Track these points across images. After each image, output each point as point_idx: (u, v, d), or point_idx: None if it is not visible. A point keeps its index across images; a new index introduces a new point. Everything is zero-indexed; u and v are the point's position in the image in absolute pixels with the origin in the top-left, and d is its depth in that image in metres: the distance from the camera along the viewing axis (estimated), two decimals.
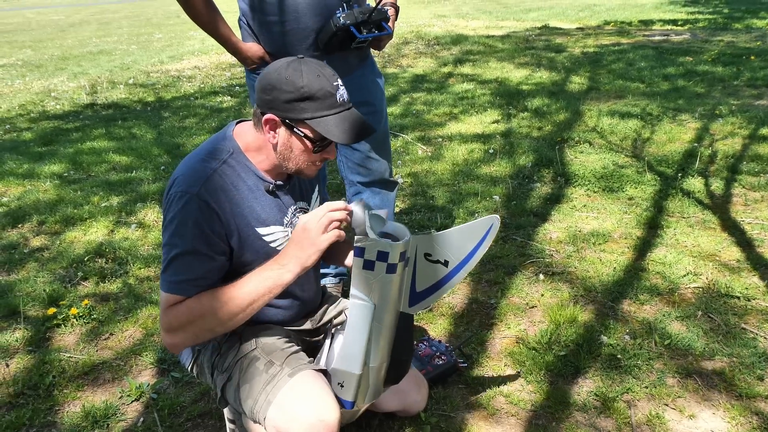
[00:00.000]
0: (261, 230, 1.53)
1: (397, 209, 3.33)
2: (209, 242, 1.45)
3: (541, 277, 2.78)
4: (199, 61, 9.61)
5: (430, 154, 4.56)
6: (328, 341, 1.69)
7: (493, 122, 5.27)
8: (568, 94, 6.06)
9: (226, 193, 1.47)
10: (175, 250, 1.45)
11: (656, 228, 3.17)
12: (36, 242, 3.39)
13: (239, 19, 2.24)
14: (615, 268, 2.82)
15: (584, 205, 3.52)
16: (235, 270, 1.52)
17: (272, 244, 1.55)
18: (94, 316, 2.63)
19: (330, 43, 2.10)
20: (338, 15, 2.04)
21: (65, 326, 2.57)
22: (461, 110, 5.70)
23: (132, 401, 2.14)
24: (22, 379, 2.25)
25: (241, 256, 1.52)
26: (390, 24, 2.19)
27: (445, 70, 7.65)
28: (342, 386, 1.53)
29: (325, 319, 1.81)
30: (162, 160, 4.68)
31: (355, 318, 1.48)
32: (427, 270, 1.55)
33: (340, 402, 1.54)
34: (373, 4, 2.12)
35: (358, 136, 1.44)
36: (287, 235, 1.58)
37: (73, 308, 2.62)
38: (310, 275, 1.69)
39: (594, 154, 4.26)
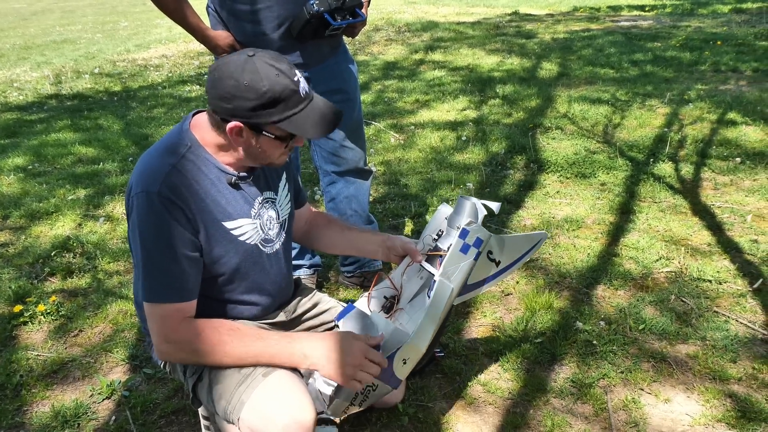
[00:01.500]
0: (228, 224, 1.48)
1: (370, 198, 3.30)
2: (181, 239, 1.40)
3: None
4: (167, 49, 9.43)
5: (402, 142, 4.54)
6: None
7: (465, 109, 5.26)
8: (539, 80, 6.07)
9: (188, 188, 1.41)
10: (146, 255, 1.40)
11: (628, 213, 3.20)
12: (0, 237, 3.29)
13: (207, 6, 2.18)
14: (589, 254, 2.84)
15: (557, 192, 3.53)
16: (207, 267, 1.48)
17: (241, 238, 1.51)
18: (63, 312, 2.57)
19: (303, 32, 2.05)
20: (312, 2, 1.99)
21: (32, 324, 2.50)
22: (433, 97, 5.68)
23: (103, 399, 2.09)
24: None
25: (210, 252, 1.47)
26: (363, 10, 2.16)
27: (416, 57, 7.62)
28: (405, 363, 1.54)
29: (299, 311, 1.78)
30: (129, 152, 4.58)
31: (438, 296, 1.52)
32: (483, 266, 1.63)
33: (391, 380, 1.54)
34: None
35: (329, 126, 1.41)
36: (256, 228, 1.54)
37: (40, 305, 2.54)
38: (281, 266, 1.66)
39: (566, 140, 4.28)
